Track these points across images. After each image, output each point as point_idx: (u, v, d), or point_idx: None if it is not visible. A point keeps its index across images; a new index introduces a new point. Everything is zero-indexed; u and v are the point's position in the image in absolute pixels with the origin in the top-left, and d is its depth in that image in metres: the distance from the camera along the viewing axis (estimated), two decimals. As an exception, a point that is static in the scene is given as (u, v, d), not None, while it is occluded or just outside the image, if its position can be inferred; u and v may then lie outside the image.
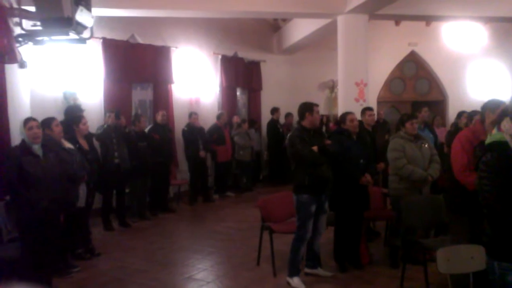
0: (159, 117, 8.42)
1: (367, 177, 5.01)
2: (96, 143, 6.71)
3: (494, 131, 2.59)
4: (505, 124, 2.50)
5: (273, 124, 11.15)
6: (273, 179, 10.96)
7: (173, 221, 7.98)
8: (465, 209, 3.55)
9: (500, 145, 2.45)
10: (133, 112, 8.75)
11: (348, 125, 5.11)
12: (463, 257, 3.03)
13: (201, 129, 9.32)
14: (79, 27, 4.92)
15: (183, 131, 9.15)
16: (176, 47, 9.72)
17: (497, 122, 2.60)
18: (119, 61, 8.54)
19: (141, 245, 6.49)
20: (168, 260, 5.81)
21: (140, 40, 9.19)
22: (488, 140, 2.58)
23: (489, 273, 2.56)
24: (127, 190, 7.67)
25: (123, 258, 5.85)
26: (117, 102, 8.37)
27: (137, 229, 7.37)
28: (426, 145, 5.16)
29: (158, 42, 9.36)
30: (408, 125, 5.11)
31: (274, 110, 11.24)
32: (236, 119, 10.46)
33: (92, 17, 5.23)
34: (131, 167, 7.23)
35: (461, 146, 3.76)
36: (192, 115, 9.20)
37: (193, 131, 9.09)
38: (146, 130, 8.20)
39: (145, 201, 8.06)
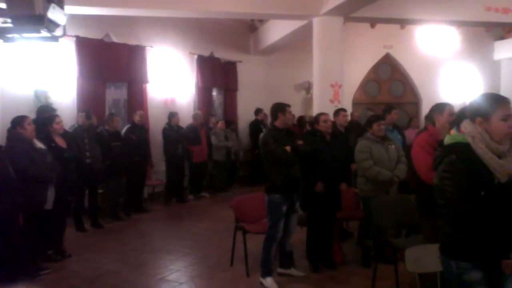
0: (137, 118, 8.32)
1: (343, 186, 5.08)
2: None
3: (453, 132, 2.63)
4: (466, 125, 2.54)
5: (257, 124, 11.14)
6: (251, 179, 10.95)
7: (147, 221, 7.91)
8: (437, 212, 3.59)
9: (462, 146, 2.49)
10: (107, 112, 8.64)
11: (322, 125, 5.14)
12: (431, 256, 3.06)
13: (181, 129, 9.27)
14: (51, 25, 4.82)
15: (164, 130, 9.08)
16: (152, 47, 9.65)
17: (456, 123, 2.64)
18: (92, 60, 8.43)
19: (113, 246, 6.41)
20: (141, 261, 5.75)
21: (114, 39, 9.10)
22: (449, 140, 2.61)
23: (444, 272, 2.59)
24: (100, 191, 7.57)
25: (95, 259, 5.77)
26: (90, 101, 8.26)
27: (110, 230, 7.27)
28: (393, 146, 5.23)
29: (133, 41, 9.28)
30: (375, 126, 5.17)
31: (258, 111, 11.24)
32: (213, 119, 10.42)
33: (65, 15, 5.14)
34: (104, 167, 7.14)
35: (422, 149, 3.80)
36: (175, 115, 9.14)
37: (174, 131, 9.03)
38: (123, 130, 8.12)
39: (119, 202, 7.96)
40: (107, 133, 7.50)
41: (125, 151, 7.71)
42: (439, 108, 3.91)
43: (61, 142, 5.80)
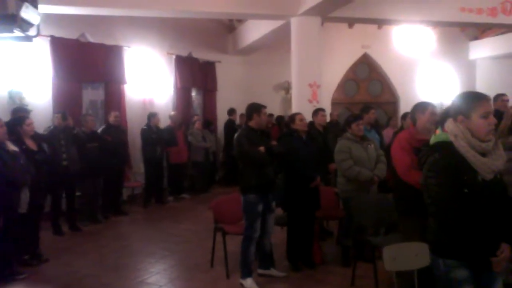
0: (111, 118, 8.22)
1: (317, 181, 5.07)
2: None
3: (439, 131, 2.66)
4: (449, 124, 2.57)
5: (230, 124, 11.13)
6: (230, 180, 10.93)
7: (126, 224, 7.82)
8: (415, 210, 3.60)
9: (445, 145, 2.52)
10: (84, 113, 8.51)
11: (298, 124, 5.16)
12: (408, 255, 3.10)
13: (160, 130, 9.19)
14: (24, 25, 4.73)
15: (143, 131, 8.98)
16: (129, 47, 9.54)
17: (440, 123, 2.68)
18: (68, 60, 8.29)
19: (92, 249, 6.31)
20: (120, 264, 5.68)
21: (91, 38, 8.96)
22: (433, 140, 2.65)
23: (434, 269, 2.62)
24: (77, 193, 7.45)
25: (73, 263, 5.68)
26: (66, 102, 8.13)
27: (88, 232, 7.16)
28: (372, 146, 5.26)
29: (109, 41, 9.15)
30: (354, 126, 5.20)
31: (232, 111, 11.22)
32: (195, 119, 10.34)
33: (39, 14, 5.05)
34: (81, 169, 7.03)
35: (401, 148, 3.81)
36: (155, 116, 9.05)
37: (153, 132, 8.95)
38: (99, 131, 8.00)
39: (97, 204, 7.84)
40: (83, 134, 7.37)
41: (101, 153, 7.60)
42: (421, 107, 3.91)
43: (31, 144, 5.67)
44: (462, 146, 2.45)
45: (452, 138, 2.50)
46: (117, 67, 9.26)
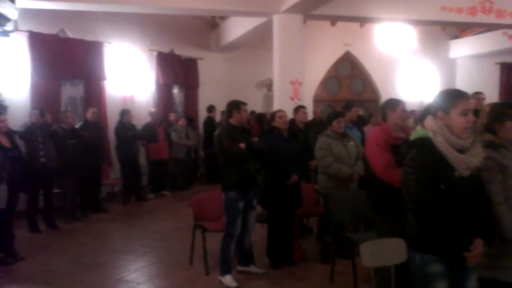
0: (89, 115, 8.12)
1: (293, 177, 5.04)
2: (20, 142, 6.38)
3: (418, 128, 2.68)
4: (428, 121, 2.59)
5: (209, 122, 11.08)
6: (211, 177, 10.89)
7: (105, 221, 7.72)
8: (390, 208, 3.60)
9: (424, 141, 2.54)
10: (63, 109, 8.39)
11: (278, 121, 5.16)
12: (385, 251, 3.11)
13: (134, 127, 9.09)
14: (1, 19, 4.68)
15: (116, 128, 8.88)
16: (109, 43, 9.42)
17: (420, 120, 2.69)
18: (47, 56, 8.16)
19: (69, 247, 6.23)
20: (98, 261, 5.61)
21: (70, 34, 8.84)
22: (413, 136, 2.67)
23: (410, 264, 2.64)
24: (55, 190, 7.34)
25: (50, 262, 5.59)
26: (44, 98, 8.01)
27: (66, 230, 7.07)
28: (352, 143, 5.27)
29: (89, 37, 9.03)
30: (335, 123, 5.21)
31: (211, 108, 11.18)
32: (172, 116, 10.29)
33: (16, 9, 4.98)
34: (59, 166, 6.92)
35: (378, 146, 3.77)
36: (128, 112, 8.95)
37: (127, 129, 8.85)
38: (77, 127, 7.89)
39: (76, 201, 7.73)
40: (62, 130, 7.26)
41: (78, 149, 7.50)
42: (392, 104, 3.88)
43: (5, 141, 5.57)
44: (440, 142, 2.47)
45: (431, 135, 2.52)
46: (97, 64, 9.15)
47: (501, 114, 2.76)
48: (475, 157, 2.50)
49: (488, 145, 2.71)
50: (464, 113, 2.48)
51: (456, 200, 2.44)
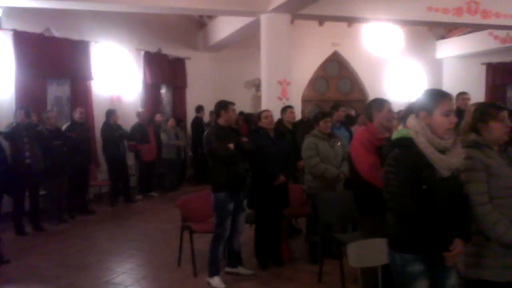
0: (76, 115, 8.04)
1: (281, 178, 5.03)
2: (5, 143, 6.30)
3: (400, 127, 2.68)
4: (411, 120, 2.59)
5: (198, 122, 11.04)
6: (199, 178, 10.85)
7: (92, 223, 7.65)
8: (376, 209, 3.59)
9: (406, 140, 2.54)
10: (49, 109, 8.29)
11: (263, 121, 5.15)
12: (372, 251, 3.11)
13: (121, 128, 9.02)
14: (-16, 18, 4.59)
15: (102, 129, 8.78)
16: (96, 42, 9.34)
17: (403, 119, 2.69)
18: (32, 55, 8.06)
19: (56, 249, 6.16)
20: (86, 264, 5.55)
21: (56, 33, 8.74)
22: (395, 135, 2.67)
23: (391, 264, 2.65)
24: (42, 192, 7.26)
25: (36, 264, 5.52)
26: (30, 98, 7.91)
27: (53, 232, 6.99)
28: (339, 144, 5.28)
29: (76, 36, 8.93)
30: (321, 123, 5.21)
31: (200, 108, 11.14)
32: (158, 117, 10.23)
33: (0, 7, 4.90)
34: (45, 167, 6.84)
35: (362, 146, 3.75)
36: (114, 113, 8.86)
37: (113, 129, 8.78)
38: (63, 128, 7.81)
39: (63, 203, 7.64)
40: (48, 131, 7.18)
41: (66, 150, 7.42)
42: (378, 104, 3.86)
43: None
44: (422, 142, 2.48)
45: (413, 134, 2.53)
46: (84, 63, 9.07)
47: (485, 114, 2.78)
48: (456, 158, 2.51)
49: (473, 145, 2.72)
50: (446, 114, 2.49)
51: (436, 200, 2.46)
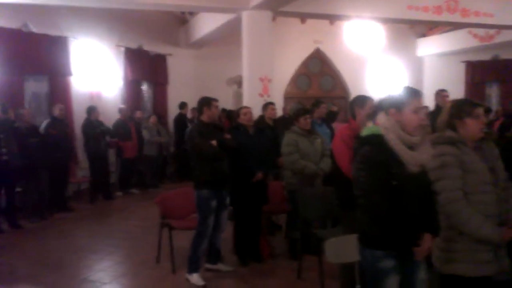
0: (56, 111, 7.92)
1: (258, 175, 5.02)
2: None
3: (370, 124, 2.69)
4: (381, 117, 2.60)
5: (181, 118, 10.97)
6: (181, 174, 10.79)
7: (71, 220, 7.55)
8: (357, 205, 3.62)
9: (376, 138, 2.54)
10: (27, 106, 8.17)
11: (242, 118, 5.14)
12: (350, 247, 3.11)
13: (102, 124, 8.92)
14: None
15: (84, 126, 8.69)
16: (75, 38, 9.21)
17: (372, 116, 2.70)
18: (9, 51, 7.95)
19: (33, 247, 6.07)
20: (63, 262, 5.47)
21: (34, 29, 8.59)
22: (365, 132, 2.67)
23: (362, 261, 2.66)
24: (18, 189, 7.14)
25: (11, 263, 5.42)
26: (7, 94, 7.81)
27: (30, 230, 6.88)
28: (318, 140, 5.29)
29: (54, 32, 8.80)
30: (301, 120, 5.22)
31: (183, 105, 11.06)
32: (139, 114, 10.14)
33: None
34: (22, 164, 6.72)
35: (344, 143, 3.78)
36: (95, 109, 8.76)
37: (94, 126, 8.67)
38: (43, 125, 7.70)
39: (43, 200, 7.53)
40: (24, 128, 7.06)
41: (45, 147, 7.31)
42: (360, 101, 3.89)
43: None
44: (392, 139, 2.49)
45: (383, 131, 2.53)
46: (62, 59, 8.95)
47: (460, 111, 2.80)
48: (424, 154, 2.53)
49: (448, 141, 2.74)
50: (416, 111, 2.51)
51: (406, 196, 2.47)
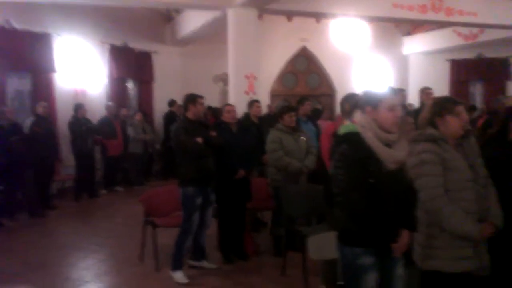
0: (40, 109, 7.83)
1: (240, 172, 5.01)
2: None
3: (347, 122, 2.69)
4: (357, 115, 2.62)
5: (171, 116, 10.90)
6: (168, 172, 10.73)
7: (55, 218, 7.48)
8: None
9: (353, 136, 2.55)
10: (9, 103, 8.06)
11: (225, 116, 5.12)
12: (332, 244, 3.12)
13: (89, 122, 8.84)
14: None
15: (71, 123, 8.58)
16: (59, 35, 9.11)
17: (349, 114, 2.71)
18: (-9, 48, 7.81)
19: (15, 246, 6.00)
20: (46, 260, 5.41)
21: (16, 25, 8.46)
22: (342, 130, 2.68)
23: (340, 258, 2.66)
24: (1, 187, 7.04)
25: (-7, 262, 5.37)
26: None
27: (13, 228, 6.80)
28: (303, 138, 5.30)
29: (38, 29, 8.69)
30: (286, 117, 5.22)
31: (173, 102, 10.99)
32: (124, 111, 10.07)
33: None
34: (4, 163, 6.63)
35: (329, 139, 3.83)
36: (82, 107, 8.66)
37: (81, 124, 8.58)
38: (27, 123, 7.60)
39: (25, 199, 7.44)
40: (7, 126, 6.96)
41: (30, 145, 7.21)
42: (350, 99, 3.90)
43: None
44: (369, 137, 2.50)
45: (360, 129, 2.55)
46: (46, 56, 8.85)
47: (442, 108, 2.82)
48: (401, 151, 2.55)
49: (430, 139, 2.76)
50: (391, 109, 2.52)
51: (384, 194, 2.48)
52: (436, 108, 2.85)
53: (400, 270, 2.64)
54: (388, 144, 2.52)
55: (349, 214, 2.55)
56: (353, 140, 2.53)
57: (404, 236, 2.51)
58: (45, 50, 8.83)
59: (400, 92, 6.42)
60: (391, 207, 2.49)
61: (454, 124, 2.78)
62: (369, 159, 2.47)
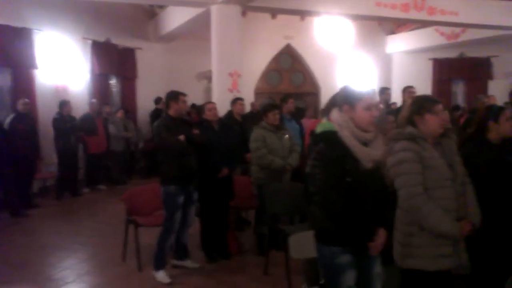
0: (20, 106, 7.70)
1: (224, 171, 4.99)
2: None
3: (324, 120, 2.70)
4: (334, 114, 2.63)
5: (157, 113, 10.80)
6: (151, 170, 10.64)
7: (36, 217, 7.36)
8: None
9: (330, 134, 2.56)
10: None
11: (207, 114, 5.09)
12: (313, 242, 3.14)
13: (74, 119, 8.73)
14: None
15: (55, 121, 8.45)
16: (40, 30, 8.97)
17: (326, 112, 2.72)
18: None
19: (-5, 245, 5.91)
20: (27, 260, 5.34)
21: (-4, 20, 8.33)
22: (319, 129, 2.68)
23: (318, 257, 2.67)
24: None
25: (-28, 262, 5.27)
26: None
27: (-8, 228, 6.71)
28: (286, 136, 5.31)
29: (17, 23, 8.53)
30: (270, 115, 5.21)
31: (159, 100, 10.90)
32: (107, 108, 9.97)
33: None
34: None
35: None
36: (67, 104, 8.54)
37: (66, 121, 8.47)
38: (7, 120, 7.48)
39: (6, 197, 7.33)
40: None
41: (10, 142, 7.10)
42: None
43: None
44: (345, 135, 2.52)
45: (337, 127, 2.56)
46: (26, 51, 8.70)
47: (421, 107, 2.84)
48: (378, 150, 2.57)
49: (409, 137, 2.78)
50: (368, 108, 2.54)
51: (361, 193, 2.51)
52: (415, 107, 2.88)
53: (378, 269, 2.66)
54: (365, 143, 2.54)
55: (327, 213, 2.56)
56: (330, 138, 2.54)
57: (381, 235, 2.54)
58: (26, 46, 8.68)
59: (385, 91, 6.50)
60: (368, 206, 2.52)
61: (433, 122, 2.80)
62: (346, 158, 2.49)
